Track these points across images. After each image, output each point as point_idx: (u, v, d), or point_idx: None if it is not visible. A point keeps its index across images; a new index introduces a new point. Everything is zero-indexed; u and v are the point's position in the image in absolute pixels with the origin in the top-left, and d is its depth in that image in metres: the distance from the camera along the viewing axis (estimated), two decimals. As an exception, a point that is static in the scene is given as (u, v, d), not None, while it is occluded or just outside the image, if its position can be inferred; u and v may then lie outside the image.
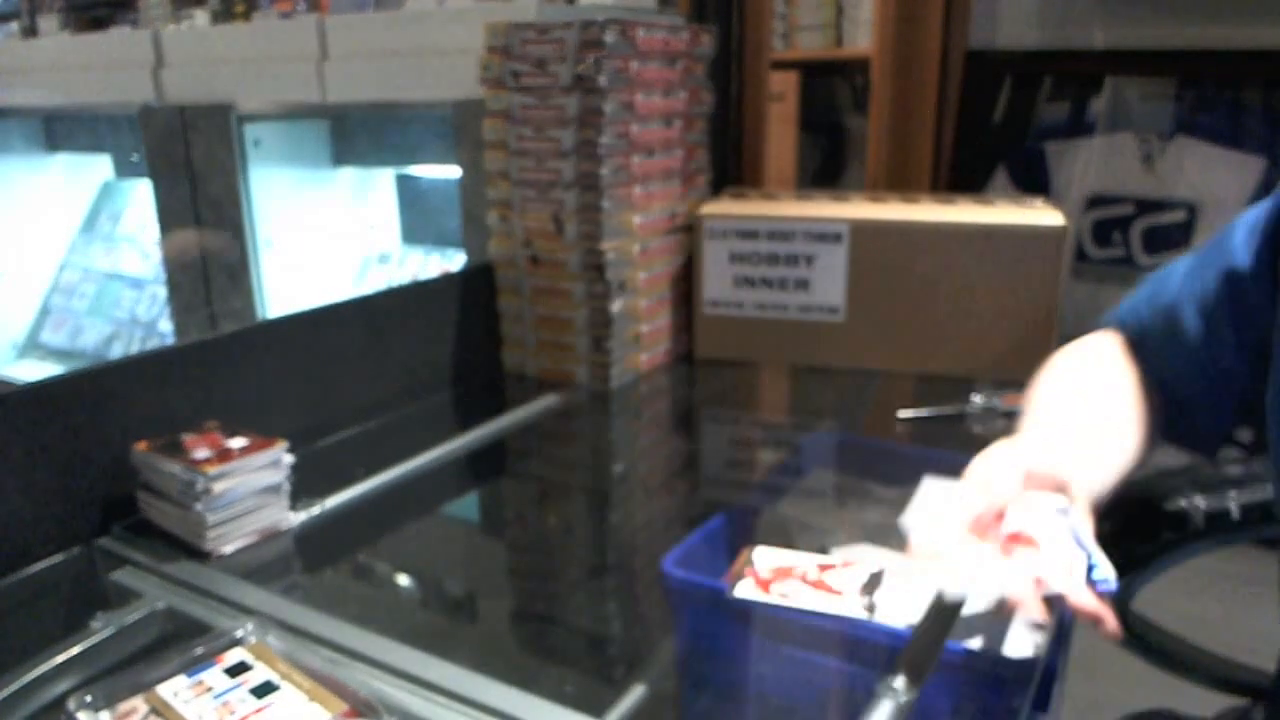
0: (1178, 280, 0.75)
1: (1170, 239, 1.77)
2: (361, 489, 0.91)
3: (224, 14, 2.07)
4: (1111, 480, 0.67)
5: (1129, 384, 0.75)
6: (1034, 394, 0.73)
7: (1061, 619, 0.69)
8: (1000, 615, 0.53)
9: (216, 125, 1.82)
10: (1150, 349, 0.76)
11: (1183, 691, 0.95)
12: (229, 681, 0.57)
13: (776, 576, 0.67)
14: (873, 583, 0.66)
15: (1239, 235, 0.70)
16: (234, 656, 0.60)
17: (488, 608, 0.80)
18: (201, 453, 0.79)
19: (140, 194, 2.46)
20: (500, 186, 1.21)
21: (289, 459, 0.82)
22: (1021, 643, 0.65)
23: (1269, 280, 0.66)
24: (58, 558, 0.79)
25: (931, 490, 0.56)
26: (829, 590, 0.65)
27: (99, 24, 2.55)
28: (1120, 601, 0.88)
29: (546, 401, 1.17)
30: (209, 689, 0.57)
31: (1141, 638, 0.93)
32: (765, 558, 0.69)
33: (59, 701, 0.59)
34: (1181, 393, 0.74)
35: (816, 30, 2.78)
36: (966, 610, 0.52)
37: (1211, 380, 0.72)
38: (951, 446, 1.00)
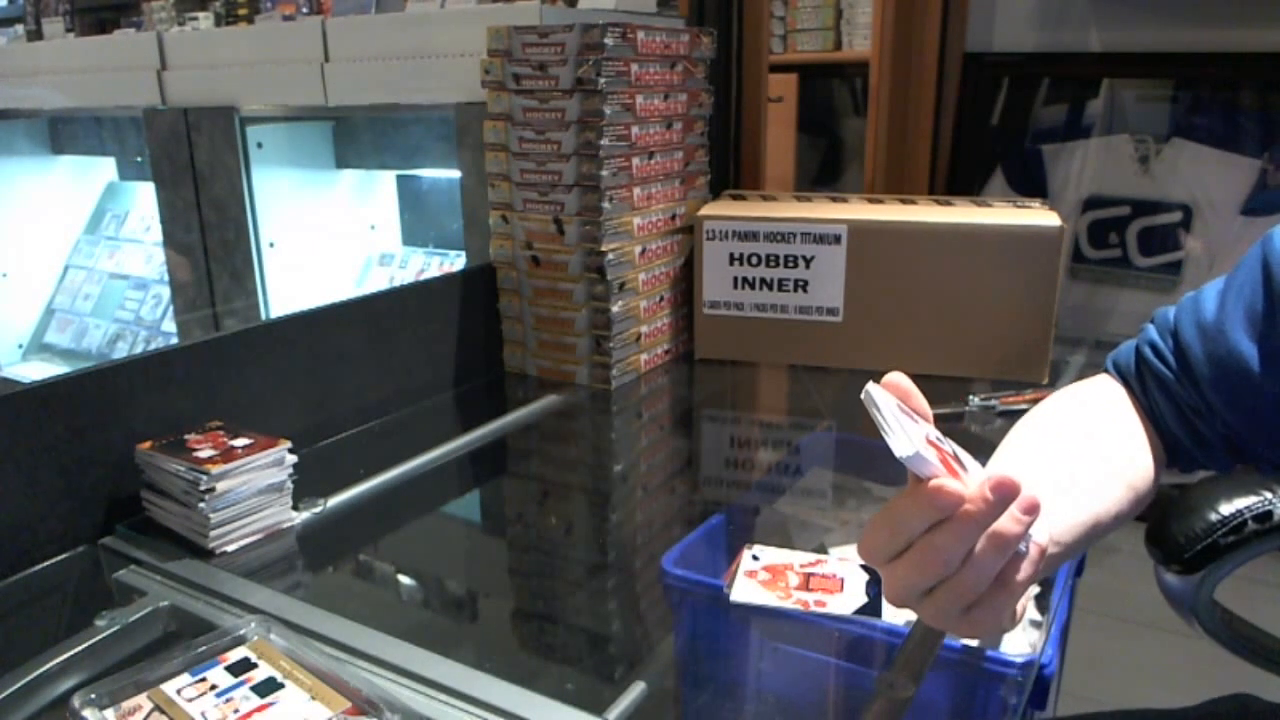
0: (1212, 306, 0.64)
1: (1166, 240, 1.78)
2: (363, 488, 0.92)
3: (227, 17, 2.07)
4: (1072, 521, 0.57)
5: (1116, 427, 0.66)
6: (1004, 442, 0.64)
7: (1059, 618, 0.69)
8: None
9: (220, 127, 1.82)
10: (1174, 381, 0.66)
11: (1176, 688, 0.95)
12: (232, 679, 0.58)
13: (775, 575, 0.67)
14: (870, 581, 0.66)
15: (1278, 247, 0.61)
16: (237, 654, 0.60)
17: (489, 606, 0.80)
18: (205, 452, 0.79)
19: (144, 196, 2.47)
20: (501, 188, 1.22)
21: (291, 458, 0.82)
22: (1018, 641, 0.65)
23: None
24: (62, 557, 0.80)
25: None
26: (827, 589, 0.66)
27: (103, 27, 2.56)
28: (1202, 592, 0.89)
29: (547, 401, 1.18)
30: (212, 687, 0.57)
31: (1227, 627, 0.93)
32: (764, 556, 0.69)
33: (63, 699, 0.60)
34: (1221, 424, 0.64)
35: (815, 33, 2.78)
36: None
37: (1265, 402, 0.61)
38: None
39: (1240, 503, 0.86)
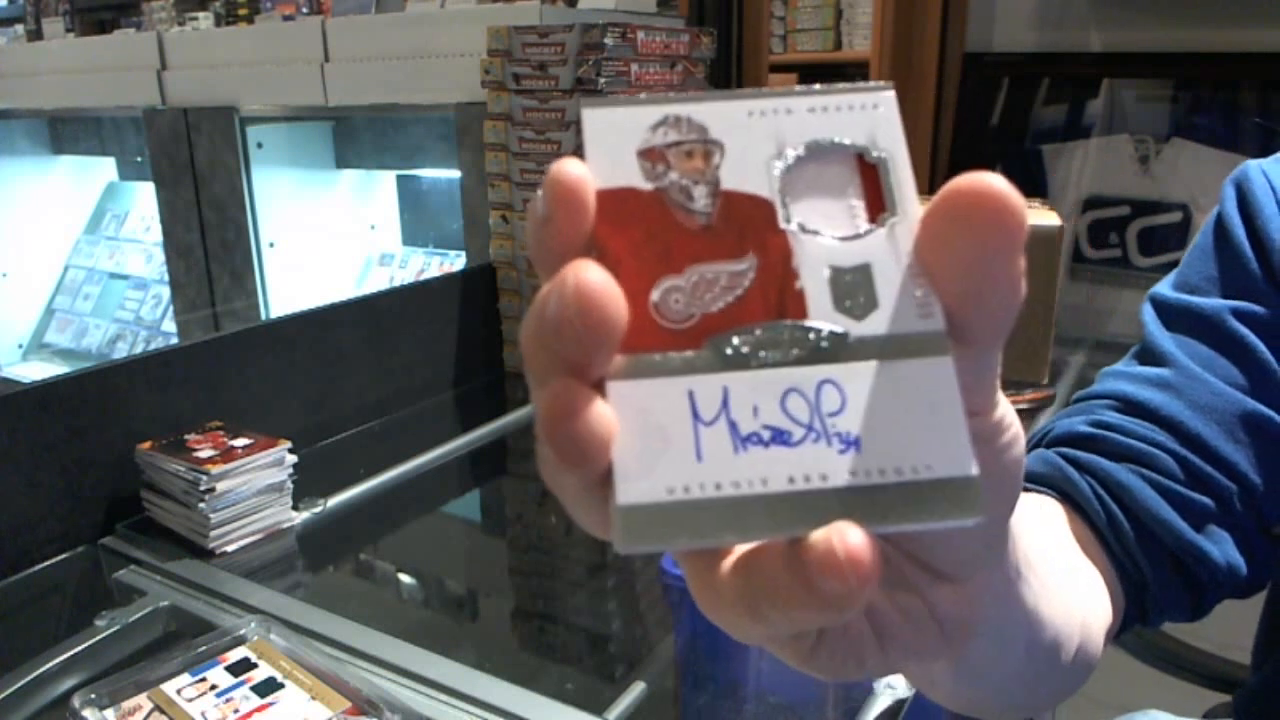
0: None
1: (1166, 240, 1.78)
2: (363, 488, 0.92)
3: (227, 17, 2.07)
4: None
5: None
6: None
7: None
8: None
9: (220, 127, 1.82)
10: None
11: (1174, 689, 0.95)
12: (232, 679, 0.58)
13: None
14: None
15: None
16: (237, 654, 0.60)
17: (489, 606, 0.80)
18: (205, 452, 0.79)
19: (144, 196, 2.47)
20: (501, 188, 1.22)
21: (291, 458, 0.82)
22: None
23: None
24: (62, 557, 0.80)
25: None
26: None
27: (103, 27, 2.56)
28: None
29: (547, 402, 1.18)
30: (212, 687, 0.57)
31: (1136, 637, 0.94)
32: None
33: (64, 699, 0.60)
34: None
35: (815, 33, 2.78)
36: None
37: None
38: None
39: None
